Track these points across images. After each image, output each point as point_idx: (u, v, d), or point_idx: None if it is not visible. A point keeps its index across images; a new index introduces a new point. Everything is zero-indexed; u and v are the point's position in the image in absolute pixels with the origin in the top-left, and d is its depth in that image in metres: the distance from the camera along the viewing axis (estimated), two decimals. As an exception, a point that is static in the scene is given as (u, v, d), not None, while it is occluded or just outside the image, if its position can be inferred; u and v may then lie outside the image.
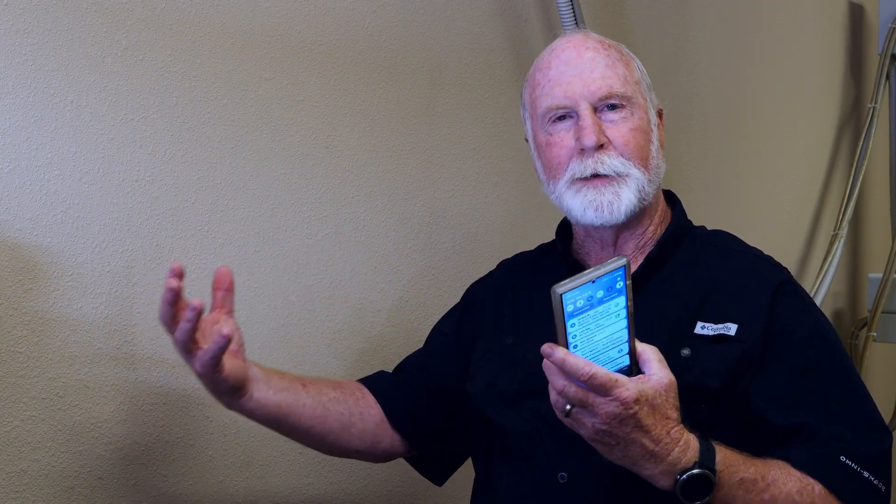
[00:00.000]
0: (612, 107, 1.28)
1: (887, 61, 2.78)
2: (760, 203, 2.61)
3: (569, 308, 1.03)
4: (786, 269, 1.34)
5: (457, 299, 1.83)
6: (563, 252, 1.39)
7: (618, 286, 1.05)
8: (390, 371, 1.50)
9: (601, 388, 1.02)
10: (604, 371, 1.03)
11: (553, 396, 1.06)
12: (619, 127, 1.28)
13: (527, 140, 1.40)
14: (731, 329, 1.23)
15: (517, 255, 1.53)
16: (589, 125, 1.26)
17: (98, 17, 1.38)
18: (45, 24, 1.34)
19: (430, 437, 1.45)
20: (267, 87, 1.57)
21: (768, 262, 1.33)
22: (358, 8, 1.68)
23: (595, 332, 1.05)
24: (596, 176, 1.27)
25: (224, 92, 1.52)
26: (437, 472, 1.51)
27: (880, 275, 2.72)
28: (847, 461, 1.16)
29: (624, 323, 1.06)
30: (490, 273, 1.53)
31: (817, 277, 2.62)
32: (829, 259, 2.65)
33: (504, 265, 1.53)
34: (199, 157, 1.49)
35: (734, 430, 1.19)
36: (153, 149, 1.44)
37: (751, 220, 2.48)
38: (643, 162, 1.28)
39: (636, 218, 1.32)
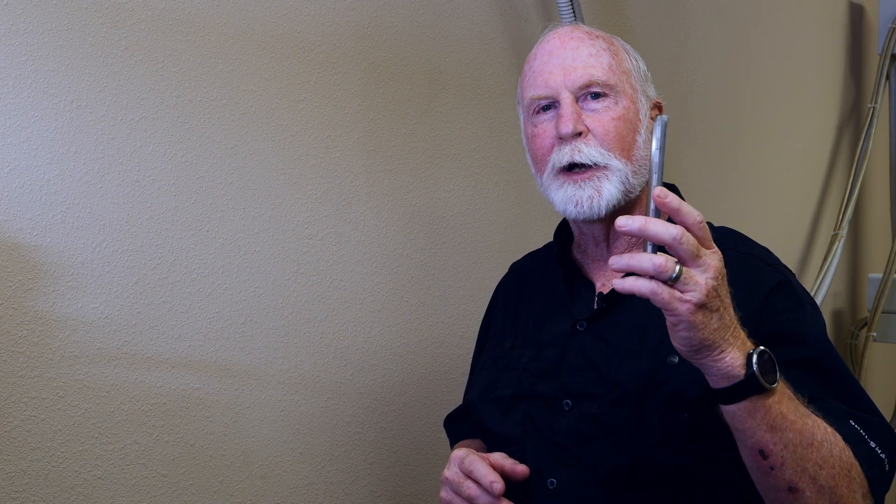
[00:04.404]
0: (595, 95, 1.26)
1: (887, 61, 2.78)
2: (760, 203, 2.61)
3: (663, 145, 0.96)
4: (785, 267, 1.30)
5: (457, 299, 1.83)
6: (559, 254, 1.38)
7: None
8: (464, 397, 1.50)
9: (706, 236, 0.96)
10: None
11: (657, 261, 0.94)
12: (599, 116, 1.25)
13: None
14: None
15: (526, 255, 1.52)
16: (567, 113, 1.24)
17: (98, 17, 1.39)
18: (45, 24, 1.34)
19: None
20: (267, 87, 1.57)
21: (765, 261, 1.28)
22: (358, 8, 1.68)
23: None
24: (574, 166, 1.25)
25: (224, 92, 1.52)
26: None
27: (880, 275, 2.72)
28: (856, 425, 1.12)
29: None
30: (506, 275, 1.53)
31: (817, 277, 2.62)
32: (829, 259, 2.65)
33: (514, 267, 1.53)
34: (199, 157, 1.49)
35: (717, 440, 1.14)
36: (153, 149, 1.44)
37: (751, 220, 2.48)
38: (625, 153, 1.25)
39: (625, 212, 1.28)
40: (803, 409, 1.06)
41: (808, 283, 2.66)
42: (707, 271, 0.96)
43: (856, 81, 3.00)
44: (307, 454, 1.62)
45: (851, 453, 1.08)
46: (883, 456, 1.12)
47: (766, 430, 1.03)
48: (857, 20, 3.00)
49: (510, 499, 1.21)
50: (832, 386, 1.17)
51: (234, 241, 1.53)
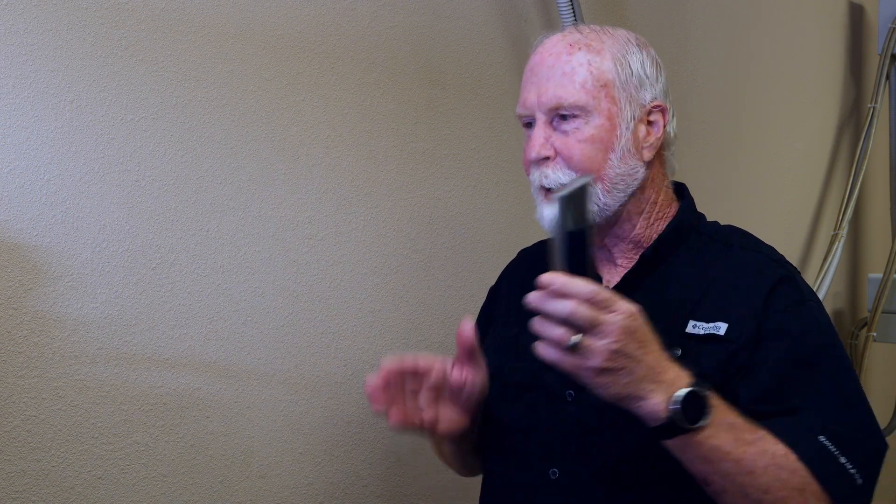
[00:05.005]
0: (565, 116, 1.26)
1: (887, 61, 2.78)
2: (760, 203, 2.61)
3: (564, 220, 1.02)
4: (791, 266, 1.31)
5: (457, 299, 1.83)
6: None
7: (586, 206, 1.06)
8: None
9: (606, 303, 1.02)
10: (604, 287, 1.03)
11: (556, 333, 1.02)
12: (567, 139, 1.26)
13: None
14: (721, 328, 1.21)
15: (536, 244, 1.52)
16: (534, 137, 1.27)
17: (98, 17, 1.39)
18: (45, 24, 1.34)
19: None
20: (267, 87, 1.57)
21: (770, 258, 1.30)
22: (358, 8, 1.68)
23: (577, 255, 1.05)
24: (542, 188, 1.27)
25: (224, 92, 1.52)
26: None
27: (880, 275, 2.72)
28: (825, 442, 1.13)
29: (589, 251, 1.07)
30: (514, 260, 1.53)
31: (817, 277, 2.62)
32: (829, 259, 2.65)
33: (522, 254, 1.53)
34: (199, 157, 1.49)
35: None
36: (153, 149, 1.44)
37: (751, 220, 2.47)
38: (594, 173, 1.26)
39: (615, 221, 1.30)
40: (747, 437, 1.10)
41: (808, 283, 2.66)
42: (605, 337, 1.02)
43: (856, 81, 3.00)
44: (307, 454, 1.62)
45: (808, 473, 1.10)
46: (853, 471, 1.13)
47: (701, 463, 1.09)
48: (857, 20, 3.00)
49: (511, 490, 1.24)
50: (820, 388, 1.18)
51: (234, 241, 1.53)
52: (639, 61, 1.32)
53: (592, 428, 1.22)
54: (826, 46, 2.89)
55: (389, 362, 1.22)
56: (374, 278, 1.71)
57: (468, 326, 1.24)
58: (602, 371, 1.04)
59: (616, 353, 1.03)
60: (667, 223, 1.33)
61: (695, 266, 1.29)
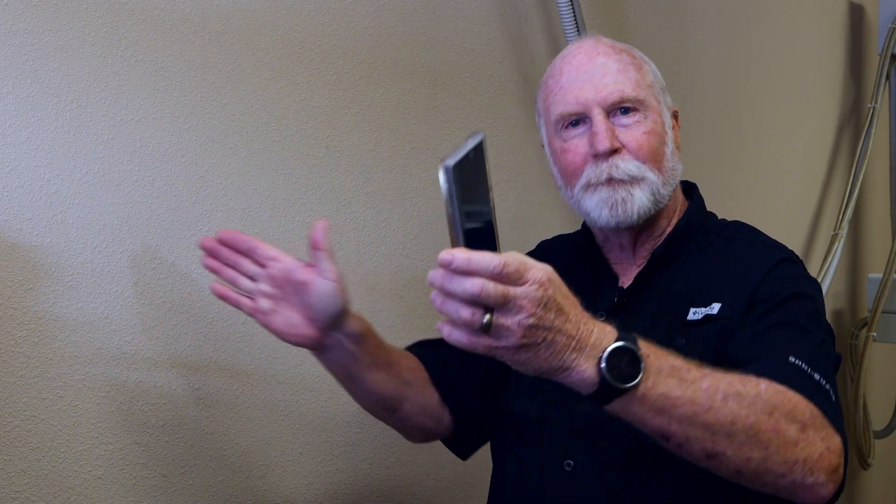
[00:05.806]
0: (625, 111, 1.29)
1: (887, 61, 2.78)
2: (761, 203, 2.61)
3: (460, 190, 0.89)
4: (793, 253, 1.33)
5: (457, 299, 1.83)
6: (586, 245, 1.40)
7: (484, 168, 0.93)
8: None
9: (516, 275, 0.90)
10: (512, 256, 0.91)
11: (464, 315, 0.91)
12: (632, 131, 1.29)
13: (542, 146, 1.40)
14: (715, 308, 1.24)
15: (556, 237, 1.54)
16: (602, 130, 1.27)
17: (98, 17, 1.38)
18: (45, 24, 1.34)
19: (468, 415, 1.45)
20: (267, 87, 1.57)
21: (769, 245, 1.34)
22: (358, 8, 1.68)
23: (478, 224, 0.93)
24: (611, 180, 1.28)
25: (224, 92, 1.52)
26: (464, 448, 1.50)
27: (880, 275, 2.73)
28: (796, 361, 1.13)
29: (491, 215, 0.94)
30: (533, 251, 1.53)
31: (817, 277, 2.62)
32: (829, 259, 2.65)
33: (542, 245, 1.54)
34: (199, 157, 1.49)
35: None
36: (153, 149, 1.44)
37: (751, 220, 2.47)
38: (657, 164, 1.29)
39: (653, 220, 1.33)
40: (693, 375, 1.02)
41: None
42: (519, 312, 0.91)
43: (856, 81, 3.00)
44: (307, 454, 1.62)
45: (776, 394, 1.05)
46: (828, 388, 1.13)
47: (654, 416, 1.01)
48: (857, 20, 3.00)
49: (525, 482, 1.26)
50: (792, 337, 1.19)
51: (234, 241, 1.53)
52: (655, 68, 1.37)
53: (607, 419, 1.22)
54: (826, 46, 2.89)
55: (227, 230, 1.22)
56: (374, 278, 1.71)
57: (320, 226, 1.24)
58: (520, 349, 0.93)
59: (532, 328, 0.92)
60: (677, 221, 1.37)
61: (700, 262, 1.33)
